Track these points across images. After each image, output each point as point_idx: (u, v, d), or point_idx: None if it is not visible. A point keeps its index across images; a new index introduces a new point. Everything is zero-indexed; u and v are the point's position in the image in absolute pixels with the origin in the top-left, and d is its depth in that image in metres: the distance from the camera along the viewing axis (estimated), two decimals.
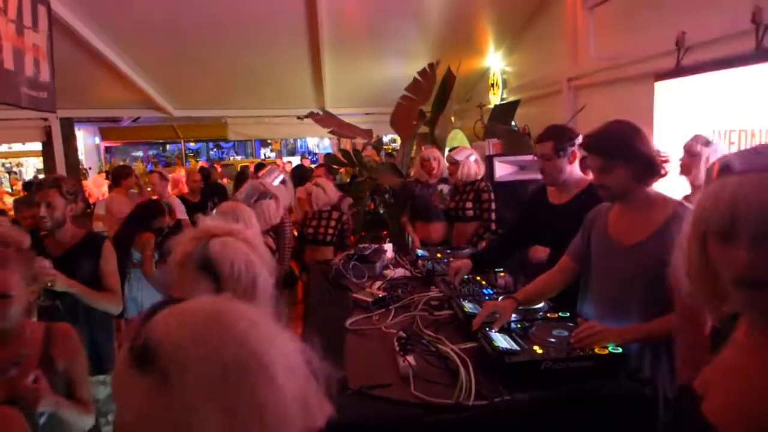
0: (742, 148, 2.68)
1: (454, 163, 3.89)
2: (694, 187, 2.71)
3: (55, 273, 2.25)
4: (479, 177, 3.88)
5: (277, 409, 0.65)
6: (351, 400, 1.65)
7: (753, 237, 0.83)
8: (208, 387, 0.63)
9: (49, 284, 2.25)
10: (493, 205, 3.83)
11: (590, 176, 2.12)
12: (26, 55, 4.33)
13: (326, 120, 5.66)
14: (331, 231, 3.95)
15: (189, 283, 1.31)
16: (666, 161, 1.86)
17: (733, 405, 0.89)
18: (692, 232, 0.93)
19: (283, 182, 3.39)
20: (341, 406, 1.67)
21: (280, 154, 17.46)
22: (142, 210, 3.83)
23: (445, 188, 4.02)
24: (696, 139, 2.73)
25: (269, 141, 17.76)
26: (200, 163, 13.04)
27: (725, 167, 0.88)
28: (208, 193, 5.78)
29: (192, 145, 17.58)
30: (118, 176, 5.23)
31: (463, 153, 3.89)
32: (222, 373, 0.63)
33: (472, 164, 3.86)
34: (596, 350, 1.69)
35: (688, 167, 2.74)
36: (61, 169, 6.64)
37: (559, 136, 2.45)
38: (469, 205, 3.84)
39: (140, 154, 17.72)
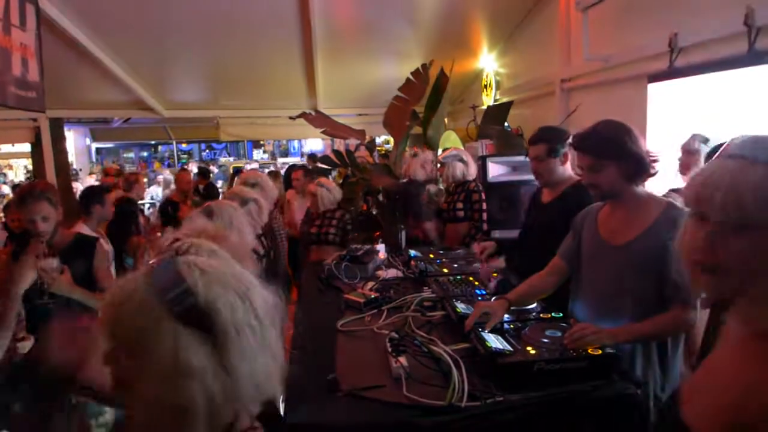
0: None
1: (442, 165, 3.90)
2: None
3: (56, 276, 2.25)
4: (469, 178, 3.87)
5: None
6: (342, 402, 1.63)
7: (717, 221, 0.83)
8: (256, 333, 0.81)
9: (46, 285, 2.24)
10: (484, 206, 3.82)
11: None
12: (13, 54, 4.27)
13: (318, 120, 5.63)
14: (332, 230, 3.94)
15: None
16: (656, 160, 1.86)
17: (707, 407, 0.89)
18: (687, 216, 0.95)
19: (258, 185, 3.39)
20: (332, 408, 1.65)
21: (273, 156, 17.39)
22: (118, 217, 3.80)
23: (433, 188, 4.01)
24: (694, 137, 2.74)
25: (262, 142, 17.68)
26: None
27: (718, 148, 0.88)
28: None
29: (184, 146, 17.48)
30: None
31: (450, 155, 3.90)
32: (262, 319, 0.82)
33: (458, 165, 3.86)
34: (589, 351, 1.68)
35: (686, 166, 2.74)
36: (50, 171, 6.56)
37: (551, 138, 2.48)
38: (460, 205, 3.83)
39: (132, 155, 17.59)
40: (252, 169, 3.86)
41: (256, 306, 0.82)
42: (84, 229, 3.22)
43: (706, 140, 2.69)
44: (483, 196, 3.82)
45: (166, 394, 0.74)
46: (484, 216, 3.82)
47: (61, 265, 2.31)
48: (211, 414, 0.76)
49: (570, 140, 2.46)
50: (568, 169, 2.48)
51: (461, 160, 3.87)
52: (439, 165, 4.09)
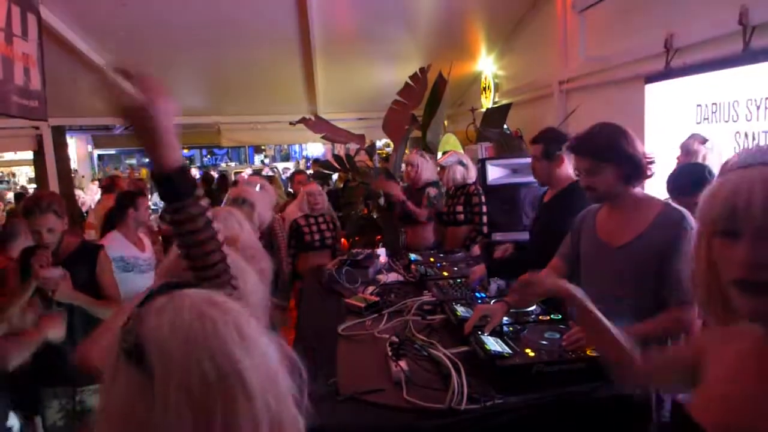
0: (733, 148, 2.71)
1: (442, 168, 3.91)
2: None
3: (58, 282, 2.29)
4: (469, 181, 3.88)
5: (248, 422, 0.65)
6: (343, 406, 1.64)
7: (755, 232, 0.77)
8: (189, 393, 0.63)
9: (50, 293, 2.28)
10: (484, 209, 3.82)
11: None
12: (16, 63, 4.30)
13: (318, 125, 5.65)
14: (328, 234, 3.97)
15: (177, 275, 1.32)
16: (652, 162, 1.88)
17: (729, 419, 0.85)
18: (697, 235, 0.89)
19: (262, 187, 3.42)
20: (333, 412, 1.67)
21: (274, 160, 17.44)
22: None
23: (432, 191, 4.01)
24: (693, 137, 2.75)
25: (263, 147, 17.73)
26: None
27: (727, 164, 0.86)
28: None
29: (185, 152, 17.54)
30: (108, 186, 5.21)
31: (450, 158, 3.91)
32: (202, 381, 0.63)
33: (458, 169, 3.86)
34: (588, 352, 1.69)
35: None
36: (52, 178, 6.59)
37: (548, 140, 2.50)
38: (459, 208, 3.84)
39: (134, 161, 17.66)
40: (250, 176, 3.81)
41: (215, 356, 0.65)
42: (116, 237, 3.21)
43: (705, 140, 2.70)
44: (483, 199, 3.83)
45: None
46: (484, 219, 3.82)
47: (63, 273, 2.34)
48: None
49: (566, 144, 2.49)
50: (565, 170, 2.50)
51: (461, 164, 3.88)
52: (439, 168, 4.09)
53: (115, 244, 3.13)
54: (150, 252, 3.37)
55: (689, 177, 2.26)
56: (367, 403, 1.64)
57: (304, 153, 17.35)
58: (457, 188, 3.90)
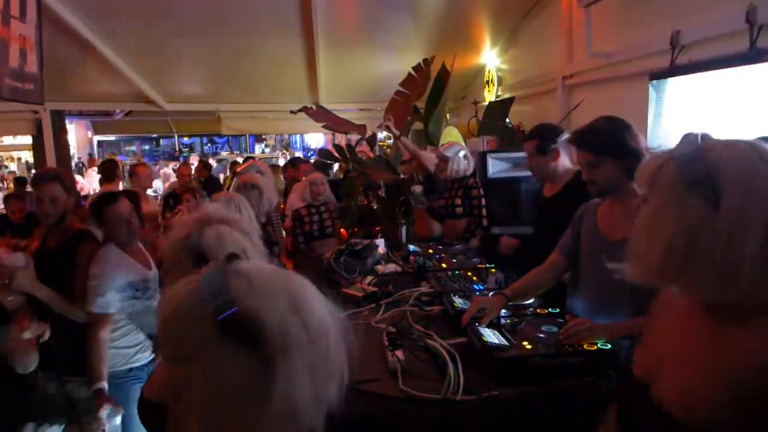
0: None
1: (444, 159, 3.87)
2: None
3: (17, 272, 2.23)
4: (468, 173, 3.85)
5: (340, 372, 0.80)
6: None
7: None
8: (305, 354, 0.73)
9: (7, 281, 2.22)
10: (483, 201, 3.79)
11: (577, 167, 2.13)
12: (11, 45, 4.26)
13: (319, 115, 5.63)
14: (329, 223, 3.98)
15: (180, 267, 1.31)
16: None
17: (686, 390, 0.92)
18: None
19: (260, 172, 3.42)
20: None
21: (274, 150, 17.40)
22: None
23: (417, 188, 3.97)
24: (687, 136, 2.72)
25: (264, 136, 17.69)
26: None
27: None
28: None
29: (186, 139, 17.49)
30: (109, 170, 5.19)
31: (452, 149, 3.85)
32: (314, 340, 0.75)
33: (461, 160, 3.81)
34: (585, 346, 1.69)
35: None
36: (51, 163, 6.56)
37: (540, 135, 2.50)
38: (458, 201, 3.79)
39: (134, 148, 17.61)
40: (248, 165, 3.73)
41: (310, 320, 0.75)
42: (114, 254, 2.41)
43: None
44: (482, 192, 3.80)
45: (207, 408, 0.70)
46: (484, 212, 3.81)
47: (26, 260, 2.29)
48: (241, 428, 0.72)
49: (562, 137, 2.48)
50: (563, 163, 2.49)
51: (464, 156, 3.84)
52: (438, 160, 4.04)
53: (115, 266, 2.36)
54: (155, 268, 2.61)
55: None
56: (362, 393, 1.64)
57: (305, 143, 17.34)
58: (455, 181, 3.85)
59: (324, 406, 0.78)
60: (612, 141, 1.82)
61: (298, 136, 17.08)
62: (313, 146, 16.59)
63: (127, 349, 2.46)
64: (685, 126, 2.97)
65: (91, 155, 13.48)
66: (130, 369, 2.46)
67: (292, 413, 0.73)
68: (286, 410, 0.72)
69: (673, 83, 3.21)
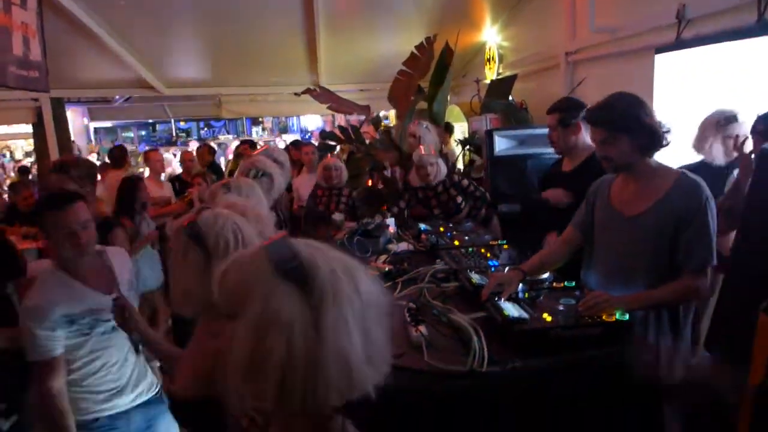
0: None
1: (424, 165, 3.61)
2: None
3: None
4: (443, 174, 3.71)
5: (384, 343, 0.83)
6: None
7: None
8: (357, 321, 0.77)
9: None
10: (476, 184, 3.75)
11: None
12: (14, 33, 4.23)
13: (324, 96, 5.62)
14: (342, 207, 4.00)
15: (178, 250, 1.33)
16: (668, 132, 1.89)
17: None
18: None
19: (276, 161, 3.37)
20: None
21: (272, 133, 17.30)
22: (124, 194, 3.75)
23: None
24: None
25: (260, 119, 17.57)
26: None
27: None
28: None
29: (182, 124, 17.37)
30: (119, 156, 5.18)
31: (430, 155, 3.66)
32: (365, 304, 0.79)
33: (442, 166, 3.70)
34: (604, 317, 1.73)
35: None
36: (53, 151, 6.55)
37: (562, 108, 2.51)
38: (459, 199, 3.68)
39: (130, 134, 17.49)
40: (262, 149, 3.59)
41: (360, 287, 0.80)
42: (49, 276, 1.92)
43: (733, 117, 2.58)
44: (466, 181, 3.75)
45: (253, 340, 0.74)
46: (482, 189, 3.75)
47: None
48: (290, 374, 0.74)
49: (584, 113, 2.48)
50: (583, 138, 2.51)
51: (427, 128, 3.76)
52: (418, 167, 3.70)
53: (52, 300, 1.82)
54: (129, 275, 2.11)
55: None
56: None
57: (301, 126, 17.24)
58: (439, 184, 3.68)
59: (377, 374, 0.81)
60: (627, 117, 1.84)
61: (294, 118, 16.96)
62: (310, 129, 16.50)
63: (92, 394, 1.92)
64: (690, 101, 3.01)
65: (90, 142, 13.40)
66: (96, 419, 1.93)
67: (345, 368, 0.76)
68: (340, 363, 0.75)
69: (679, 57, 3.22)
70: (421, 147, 3.70)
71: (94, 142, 14.46)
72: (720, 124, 2.58)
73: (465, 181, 3.75)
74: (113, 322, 1.89)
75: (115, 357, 1.97)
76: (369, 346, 0.79)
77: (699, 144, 2.68)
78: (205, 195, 2.01)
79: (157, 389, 2.13)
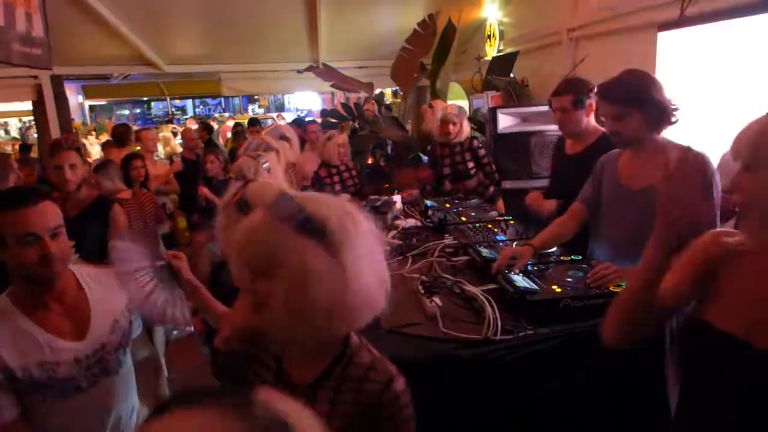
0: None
1: (452, 123, 3.85)
2: None
3: None
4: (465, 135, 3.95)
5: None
6: (385, 339, 1.76)
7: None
8: (367, 255, 0.94)
9: None
10: (491, 157, 3.93)
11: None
12: (17, 9, 4.19)
13: (327, 73, 5.61)
14: (351, 182, 4.07)
15: (225, 223, 1.41)
16: (677, 109, 1.94)
17: None
18: None
19: (285, 138, 3.40)
20: (377, 344, 1.78)
21: (268, 111, 17.20)
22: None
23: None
24: None
25: (257, 97, 17.45)
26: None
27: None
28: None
29: (177, 102, 17.24)
30: (123, 135, 5.18)
31: (462, 113, 3.92)
32: (372, 245, 0.97)
33: (466, 123, 3.93)
34: (612, 288, 1.81)
35: None
36: (54, 128, 6.52)
37: (576, 89, 2.49)
38: (471, 164, 3.89)
39: (125, 112, 17.36)
40: (272, 128, 3.60)
41: (358, 221, 0.95)
42: None
43: None
44: (484, 151, 3.93)
45: (296, 296, 0.88)
46: (494, 167, 3.90)
47: None
48: (327, 316, 0.90)
49: (595, 91, 2.50)
50: (592, 120, 2.53)
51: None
52: (443, 123, 3.91)
53: None
54: (96, 335, 1.44)
55: None
56: (407, 336, 1.77)
57: (292, 104, 17.14)
58: (457, 144, 3.90)
59: (384, 291, 0.99)
60: (638, 93, 1.88)
61: (290, 96, 16.86)
62: (302, 107, 16.43)
63: None
64: (693, 81, 3.04)
65: (84, 123, 13.30)
66: None
67: (367, 296, 0.93)
68: (363, 294, 0.92)
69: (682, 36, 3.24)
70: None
71: (89, 121, 14.36)
72: None
73: (482, 150, 3.86)
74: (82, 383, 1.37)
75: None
76: (377, 268, 0.97)
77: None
78: (235, 171, 2.07)
79: None
